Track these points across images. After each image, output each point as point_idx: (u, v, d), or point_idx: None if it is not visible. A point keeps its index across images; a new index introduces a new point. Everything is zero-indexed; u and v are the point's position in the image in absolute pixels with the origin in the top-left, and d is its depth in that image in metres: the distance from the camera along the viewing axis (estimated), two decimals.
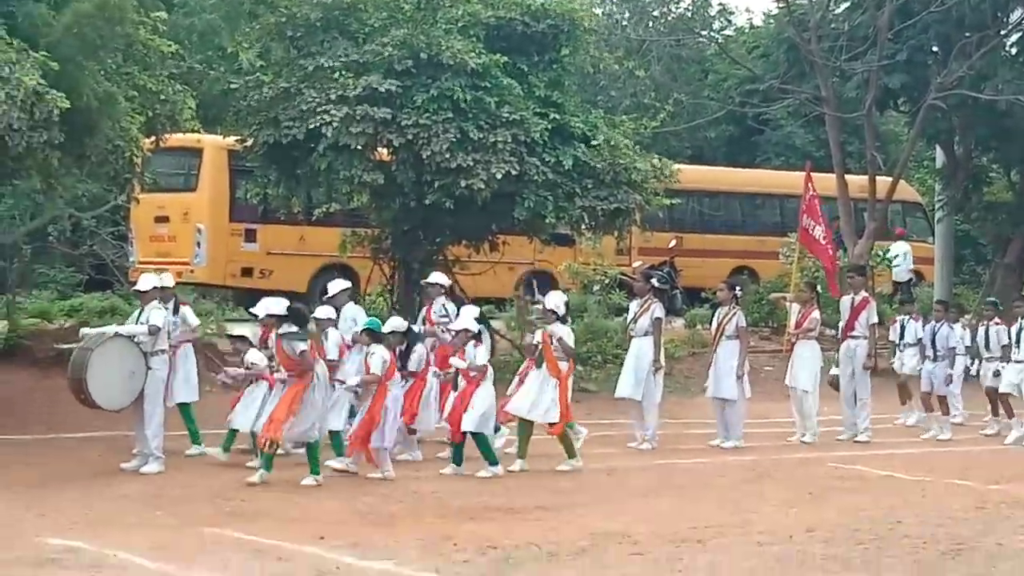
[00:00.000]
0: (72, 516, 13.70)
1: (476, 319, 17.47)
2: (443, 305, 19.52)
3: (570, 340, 17.64)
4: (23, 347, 22.69)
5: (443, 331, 18.78)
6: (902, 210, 37.88)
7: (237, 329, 18.89)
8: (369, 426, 16.37)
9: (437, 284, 19.85)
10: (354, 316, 18.56)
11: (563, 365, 17.49)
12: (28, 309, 26.25)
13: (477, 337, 17.20)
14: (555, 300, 17.84)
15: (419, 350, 17.51)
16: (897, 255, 33.98)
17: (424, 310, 20.01)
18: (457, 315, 18.47)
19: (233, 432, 17.54)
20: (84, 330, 17.39)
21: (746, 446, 20.03)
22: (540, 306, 18.64)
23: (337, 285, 18.73)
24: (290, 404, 15.82)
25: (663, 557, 12.19)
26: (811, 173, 25.95)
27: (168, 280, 18.20)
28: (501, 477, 16.69)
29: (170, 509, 14.30)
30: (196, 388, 18.58)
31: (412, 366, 17.27)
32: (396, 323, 17.36)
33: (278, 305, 16.45)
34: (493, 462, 16.93)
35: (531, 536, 13.03)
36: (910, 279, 34.30)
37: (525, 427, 17.59)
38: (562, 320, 17.65)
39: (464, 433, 16.93)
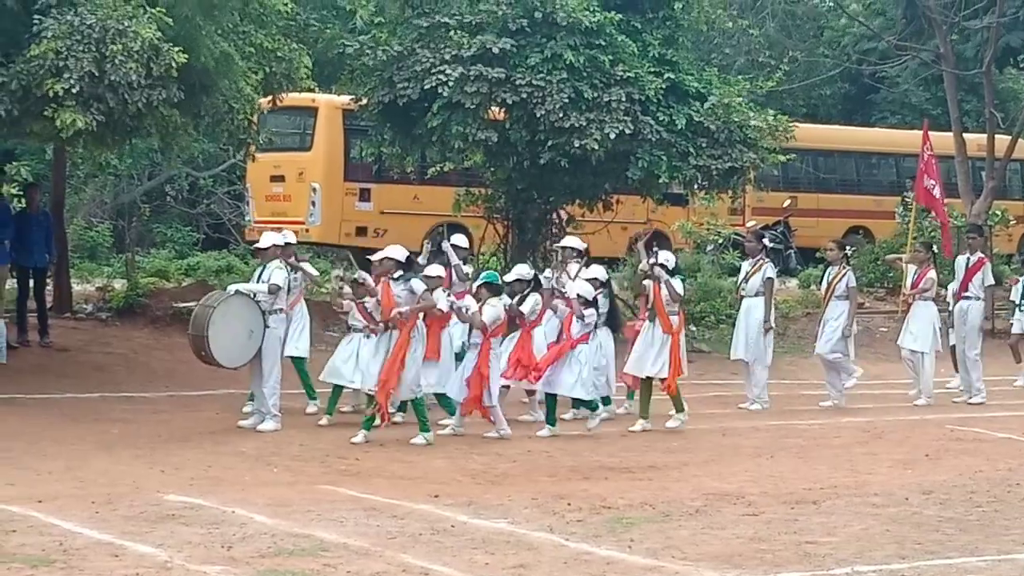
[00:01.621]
0: (191, 473, 13.88)
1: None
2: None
3: (679, 289, 17.63)
4: (142, 305, 22.99)
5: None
6: (1021, 168, 37.41)
7: (359, 273, 18.53)
8: (480, 386, 16.33)
9: (570, 248, 19.10)
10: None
11: (674, 320, 17.49)
12: (146, 268, 26.59)
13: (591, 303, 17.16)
14: (665, 255, 17.98)
15: (534, 298, 17.22)
16: None
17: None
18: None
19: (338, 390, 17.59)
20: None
21: (860, 407, 19.90)
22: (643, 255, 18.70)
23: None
24: (396, 363, 15.83)
25: (777, 518, 12.14)
26: (928, 131, 25.68)
27: (290, 237, 18.17)
28: (616, 437, 16.71)
29: (286, 467, 14.47)
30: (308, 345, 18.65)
31: (526, 309, 17.03)
32: (521, 270, 17.49)
33: (398, 252, 16.41)
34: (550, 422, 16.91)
35: (645, 496, 13.04)
36: None
37: (645, 386, 17.65)
38: (672, 273, 17.67)
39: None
